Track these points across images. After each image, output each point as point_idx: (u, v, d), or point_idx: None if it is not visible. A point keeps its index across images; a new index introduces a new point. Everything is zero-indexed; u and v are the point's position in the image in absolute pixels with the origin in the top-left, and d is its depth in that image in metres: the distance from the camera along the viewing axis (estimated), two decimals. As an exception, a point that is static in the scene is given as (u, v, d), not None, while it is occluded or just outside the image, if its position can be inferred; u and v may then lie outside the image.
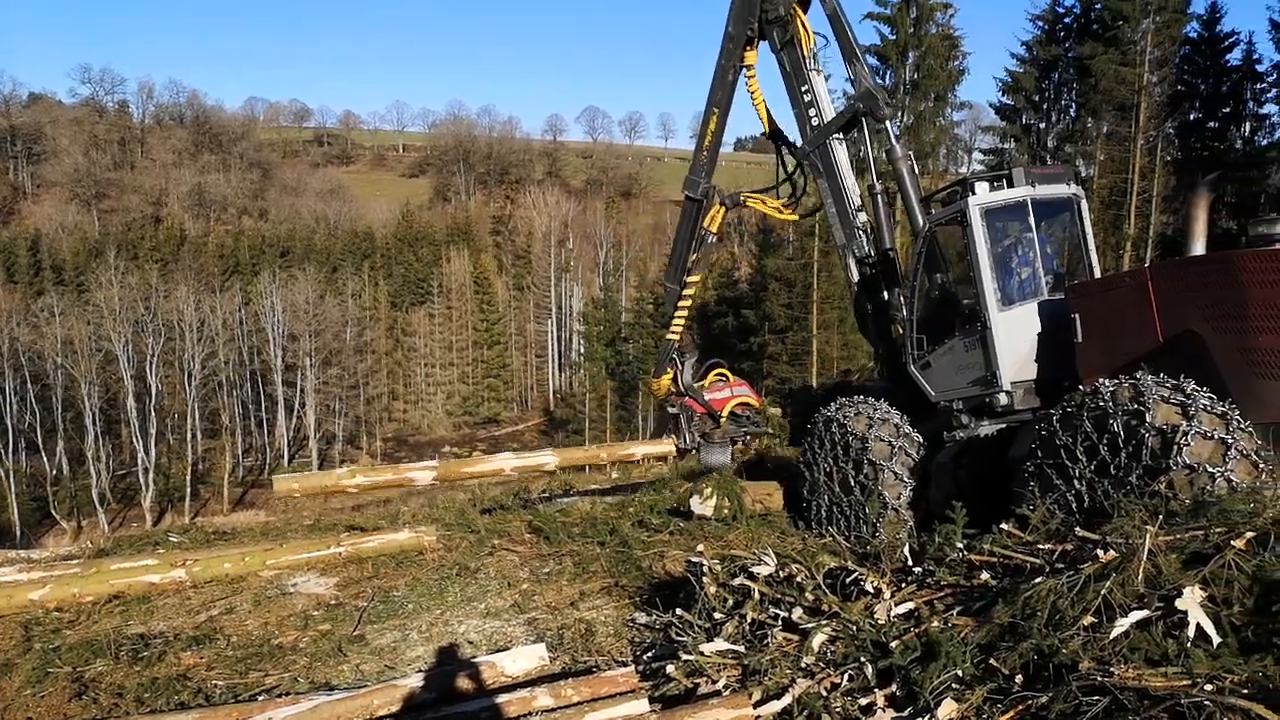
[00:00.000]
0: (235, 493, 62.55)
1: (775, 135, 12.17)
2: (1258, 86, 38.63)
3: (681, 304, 12.74)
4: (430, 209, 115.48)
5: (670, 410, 13.14)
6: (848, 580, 5.44)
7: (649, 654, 5.94)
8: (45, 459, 57.43)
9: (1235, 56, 38.08)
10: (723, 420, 12.43)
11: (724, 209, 12.50)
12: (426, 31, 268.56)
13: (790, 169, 12.08)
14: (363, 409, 75.12)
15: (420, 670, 5.99)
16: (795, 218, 12.89)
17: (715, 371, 13.17)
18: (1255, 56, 37.90)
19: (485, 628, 7.16)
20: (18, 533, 50.82)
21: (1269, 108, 38.83)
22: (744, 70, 11.68)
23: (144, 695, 5.92)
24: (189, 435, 61.40)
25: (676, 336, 12.83)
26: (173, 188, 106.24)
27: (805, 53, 10.98)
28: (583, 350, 75.17)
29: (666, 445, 12.67)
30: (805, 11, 11.00)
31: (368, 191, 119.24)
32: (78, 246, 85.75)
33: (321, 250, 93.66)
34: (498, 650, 6.33)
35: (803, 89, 11.10)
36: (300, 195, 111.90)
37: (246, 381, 70.43)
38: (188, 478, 59.77)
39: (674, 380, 12.85)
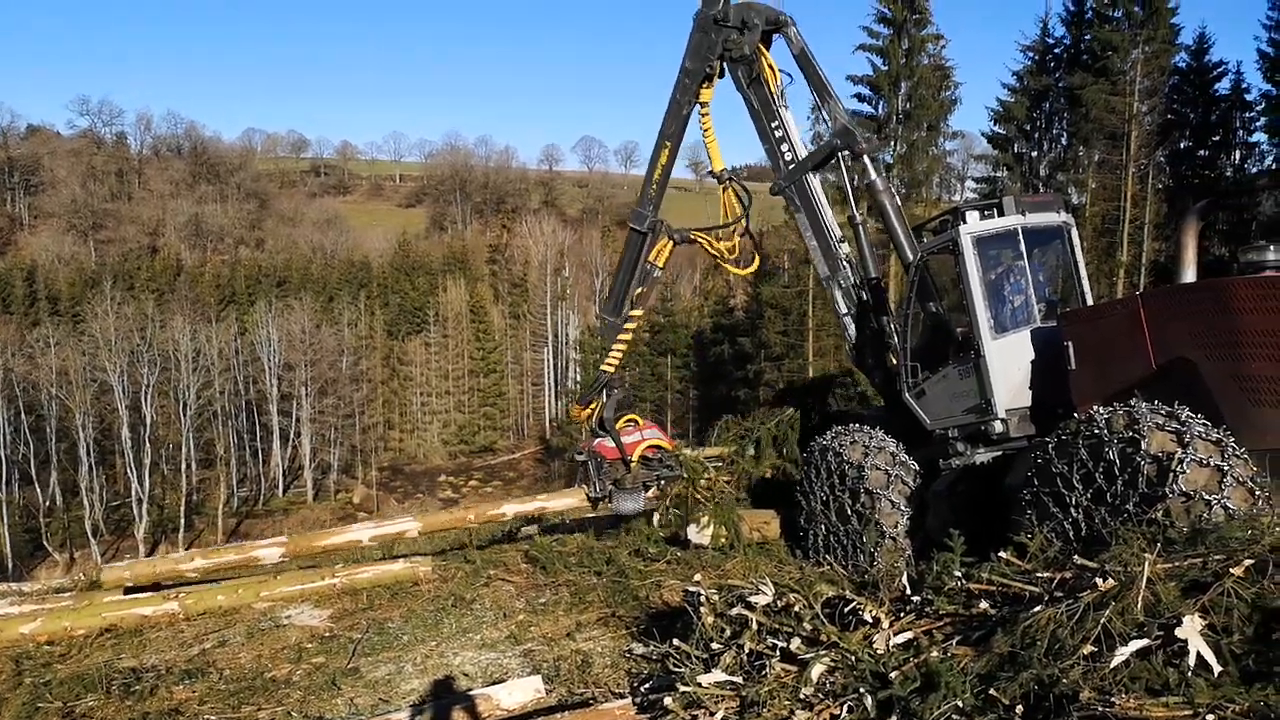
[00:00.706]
0: (230, 523, 62.15)
1: (721, 174, 11.91)
2: (1246, 115, 39.04)
3: (621, 338, 12.30)
4: (427, 238, 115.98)
5: (578, 459, 12.71)
6: (846, 610, 5.41)
7: (646, 685, 5.89)
8: (38, 490, 57.05)
9: (1224, 86, 38.52)
10: (633, 465, 12.16)
11: (671, 244, 12.16)
12: (423, 62, 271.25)
13: (741, 208, 11.73)
14: (358, 438, 74.88)
15: (415, 703, 5.94)
16: (745, 272, 12.63)
17: (626, 418, 12.74)
18: (1244, 86, 38.32)
19: (481, 659, 7.11)
20: (9, 565, 50.37)
21: (1258, 136, 39.21)
22: (699, 106, 11.63)
23: (135, 730, 5.86)
24: (183, 465, 61.14)
25: (611, 368, 12.38)
26: (169, 218, 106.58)
27: (773, 90, 10.92)
28: (579, 378, 75.13)
29: (535, 504, 12.24)
30: (768, 49, 10.95)
31: (364, 221, 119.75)
32: (74, 277, 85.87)
33: (318, 280, 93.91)
34: (493, 683, 6.28)
35: (773, 125, 11.02)
36: (297, 225, 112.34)
37: (242, 411, 70.20)
38: (182, 508, 59.40)
39: (595, 414, 12.44)
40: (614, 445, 11.97)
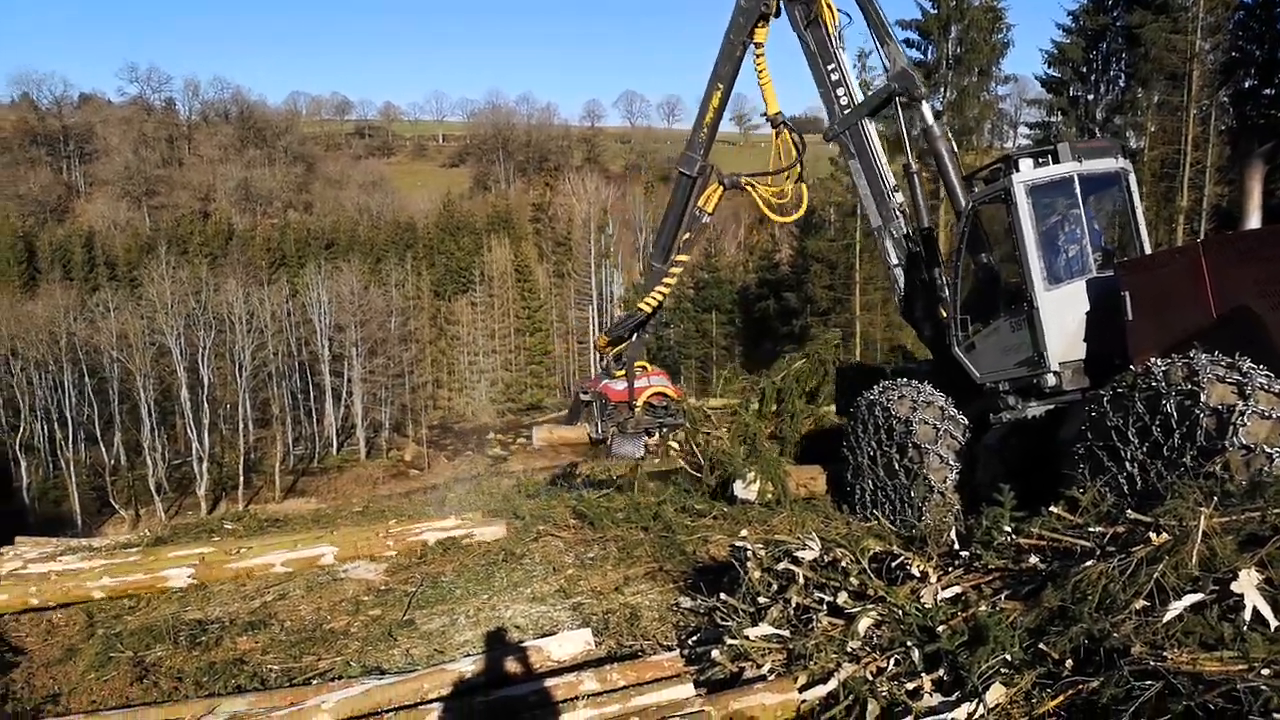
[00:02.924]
0: (286, 480, 63.83)
1: (777, 117, 11.80)
2: (1316, 51, 37.16)
3: (666, 280, 12.36)
4: (470, 198, 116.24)
5: (583, 398, 12.77)
6: (893, 564, 5.41)
7: (694, 638, 5.97)
8: (103, 450, 59.12)
9: (1294, 20, 36.69)
10: (637, 410, 12.03)
11: (721, 189, 12.15)
12: (464, 19, 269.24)
13: (796, 152, 11.66)
14: (408, 397, 76.08)
15: (469, 654, 6.08)
16: (788, 219, 12.53)
17: (636, 362, 12.81)
18: (1316, 20, 36.45)
19: (531, 612, 7.24)
20: (79, 521, 52.50)
21: (1328, 73, 37.39)
22: (753, 47, 11.40)
23: (202, 679, 6.10)
24: (241, 425, 62.75)
25: (649, 309, 12.41)
26: (220, 183, 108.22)
27: (830, 31, 10.71)
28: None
29: (453, 524, 9.64)
30: None
31: (409, 182, 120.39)
32: (129, 243, 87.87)
33: (365, 242, 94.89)
34: (544, 635, 6.40)
35: (829, 68, 10.82)
36: (343, 188, 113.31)
37: (295, 372, 71.68)
38: (240, 466, 61.13)
39: (620, 350, 12.37)
40: (622, 388, 12.05)
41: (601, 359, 12.71)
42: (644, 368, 13.01)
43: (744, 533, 7.82)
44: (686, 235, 12.44)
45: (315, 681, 5.95)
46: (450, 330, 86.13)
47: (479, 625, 6.97)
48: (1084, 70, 40.49)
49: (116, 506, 56.57)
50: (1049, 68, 40.56)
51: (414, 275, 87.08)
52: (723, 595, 6.02)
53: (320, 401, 71.91)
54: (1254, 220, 7.64)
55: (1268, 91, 37.84)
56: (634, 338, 12.53)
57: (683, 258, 12.49)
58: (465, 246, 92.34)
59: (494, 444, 71.32)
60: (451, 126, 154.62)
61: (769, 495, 10.31)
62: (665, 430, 12.33)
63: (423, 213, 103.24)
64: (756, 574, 5.97)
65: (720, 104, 12.04)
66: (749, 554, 6.27)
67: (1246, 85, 37.84)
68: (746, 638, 5.19)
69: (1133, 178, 9.14)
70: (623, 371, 12.47)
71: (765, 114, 11.98)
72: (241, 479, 60.72)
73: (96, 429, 59.53)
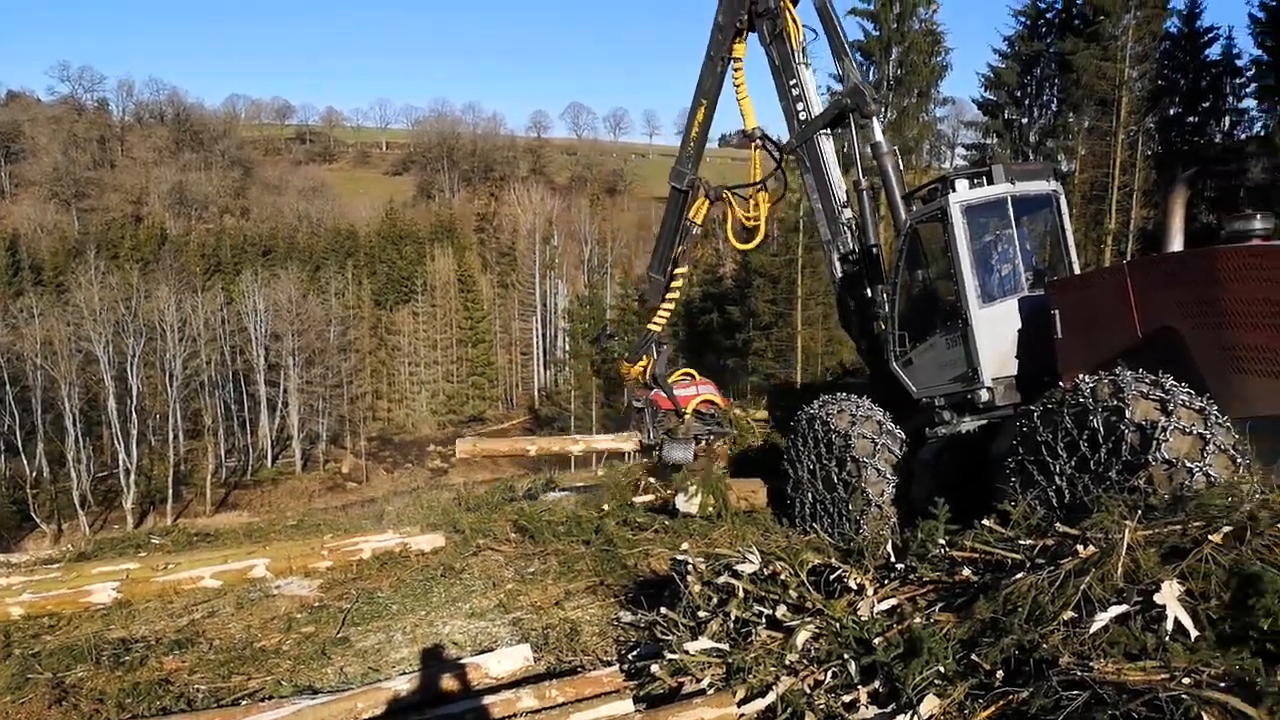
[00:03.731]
0: (218, 494, 62.16)
1: (754, 133, 12.03)
2: (1237, 81, 38.91)
3: (669, 295, 12.78)
4: (414, 207, 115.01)
5: (635, 405, 13.17)
6: (831, 577, 5.46)
7: (634, 653, 5.95)
8: (25, 461, 56.84)
9: (1215, 51, 38.37)
10: (687, 417, 12.42)
11: (708, 202, 12.49)
12: (410, 28, 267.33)
13: (772, 167, 12.05)
14: (346, 408, 74.72)
15: (404, 673, 5.98)
16: (745, 247, 12.97)
17: (682, 370, 13.35)
18: (1235, 51, 38.13)
19: (470, 628, 7.15)
20: (-2, 536, 50.35)
21: (1248, 102, 39.12)
22: (732, 62, 11.68)
23: (125, 701, 5.89)
24: (171, 436, 60.93)
25: (659, 327, 12.87)
26: (153, 186, 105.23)
27: (794, 46, 10.96)
28: (568, 347, 75.11)
29: (395, 539, 9.50)
30: (795, 5, 11.00)
31: (351, 189, 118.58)
32: (57, 246, 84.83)
33: (304, 249, 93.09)
34: (482, 651, 6.33)
35: (791, 83, 11.08)
36: (282, 193, 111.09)
37: (229, 382, 69.90)
38: (169, 479, 59.31)
39: (646, 370, 12.84)
40: (668, 397, 12.46)
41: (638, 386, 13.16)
42: (691, 376, 13.48)
43: (685, 546, 7.83)
44: (680, 248, 12.78)
45: (244, 702, 5.78)
46: (391, 340, 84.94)
47: (416, 642, 6.86)
48: (1018, 94, 41.78)
49: (38, 520, 54.36)
50: (985, 91, 41.75)
51: (354, 284, 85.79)
52: (663, 609, 6.01)
53: (255, 412, 70.20)
54: (1176, 243, 7.92)
55: (1191, 119, 39.51)
56: (655, 354, 12.92)
57: (681, 270, 12.85)
58: (408, 255, 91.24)
59: (434, 456, 70.39)
60: (395, 134, 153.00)
61: (710, 508, 10.35)
62: (712, 437, 12.79)
63: (364, 220, 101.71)
64: (697, 588, 5.97)
65: (705, 119, 12.35)
66: (689, 568, 6.27)
67: (1171, 113, 39.45)
68: (686, 652, 5.19)
69: (1063, 200, 9.43)
70: (672, 380, 13.01)
71: (742, 130, 12.27)
72: (170, 492, 58.91)
73: (18, 439, 57.14)
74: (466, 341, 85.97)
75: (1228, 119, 39.87)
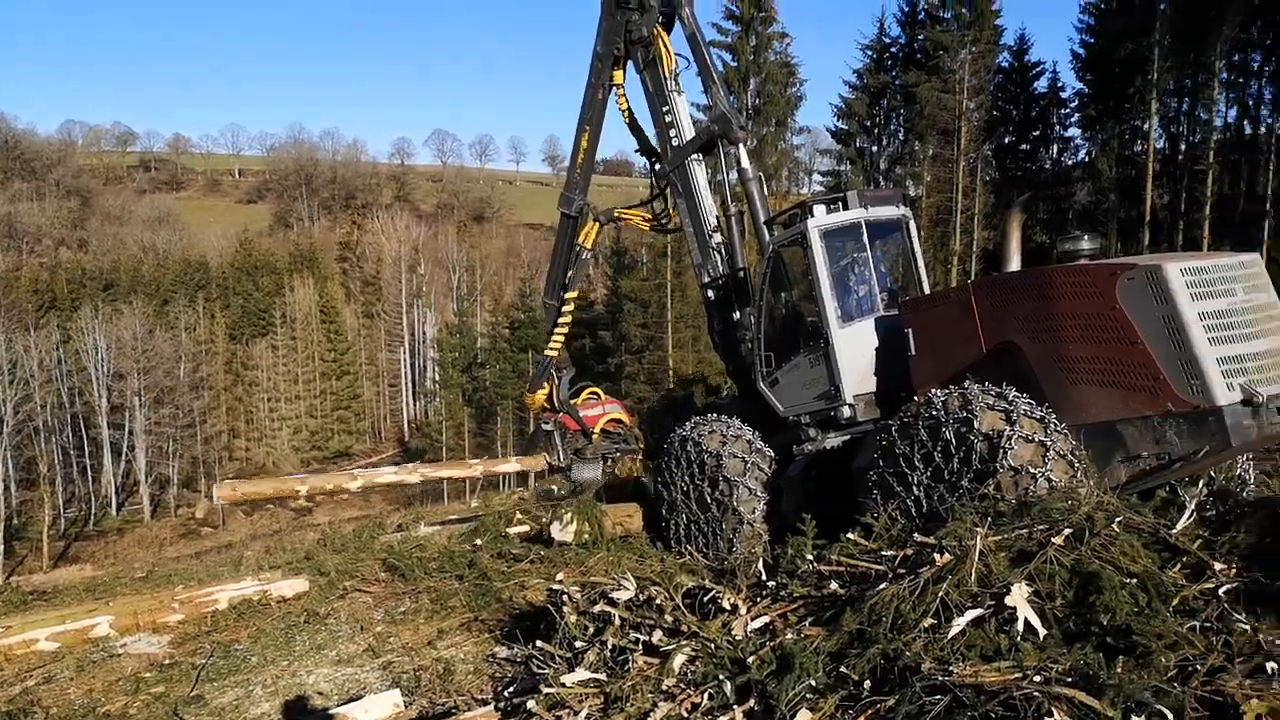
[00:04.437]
0: (56, 547, 57.27)
1: (649, 151, 12.35)
2: (1062, 112, 42.36)
3: (561, 320, 12.93)
4: (271, 235, 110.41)
5: (545, 428, 13.20)
6: (706, 599, 5.49)
7: (510, 689, 5.81)
8: None
9: (1042, 84, 41.69)
10: (595, 436, 12.57)
11: (598, 225, 12.71)
12: (261, 53, 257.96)
13: (661, 185, 12.31)
14: (200, 449, 70.47)
15: (265, 728, 5.63)
16: (674, 231, 13.37)
17: (588, 390, 13.47)
18: (1060, 84, 41.56)
19: (337, 676, 6.82)
20: None
21: (1073, 131, 42.66)
22: (613, 89, 11.84)
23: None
24: (1, 487, 55.92)
25: (555, 352, 13.05)
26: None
27: (666, 73, 11.21)
28: (438, 378, 73.61)
29: (249, 584, 9.06)
30: (669, 33, 11.25)
31: (201, 219, 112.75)
32: None
33: (150, 282, 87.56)
34: (349, 700, 6.03)
35: (664, 110, 11.32)
36: (125, 224, 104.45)
37: (67, 426, 64.73)
38: (0, 533, 54.35)
39: (549, 396, 12.90)
40: (575, 420, 12.64)
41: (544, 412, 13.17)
42: (597, 395, 13.56)
43: (560, 576, 7.73)
44: (571, 272, 12.87)
45: (83, 775, 5.30)
46: (248, 375, 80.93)
47: (277, 695, 6.48)
48: (868, 124, 44.02)
49: None
50: (838, 120, 43.81)
51: (207, 318, 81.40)
52: (539, 642, 5.90)
53: (97, 458, 65.27)
54: (1014, 263, 8.45)
55: (1024, 146, 42.65)
56: (558, 380, 13.02)
57: (571, 294, 12.95)
58: (265, 287, 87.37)
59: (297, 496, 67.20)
60: (249, 160, 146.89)
61: (586, 536, 10.27)
62: (619, 455, 13.03)
63: (217, 250, 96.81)
64: (573, 618, 5.89)
65: (590, 146, 12.51)
66: (565, 598, 6.19)
67: (1006, 141, 42.46)
68: (563, 684, 5.10)
69: (912, 224, 9.94)
70: (578, 400, 13.12)
71: (637, 150, 12.67)
72: (1, 547, 53.97)
73: None
74: (330, 374, 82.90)
75: (1055, 147, 43.28)
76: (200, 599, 8.63)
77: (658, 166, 12.12)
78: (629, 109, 12.07)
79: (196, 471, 69.90)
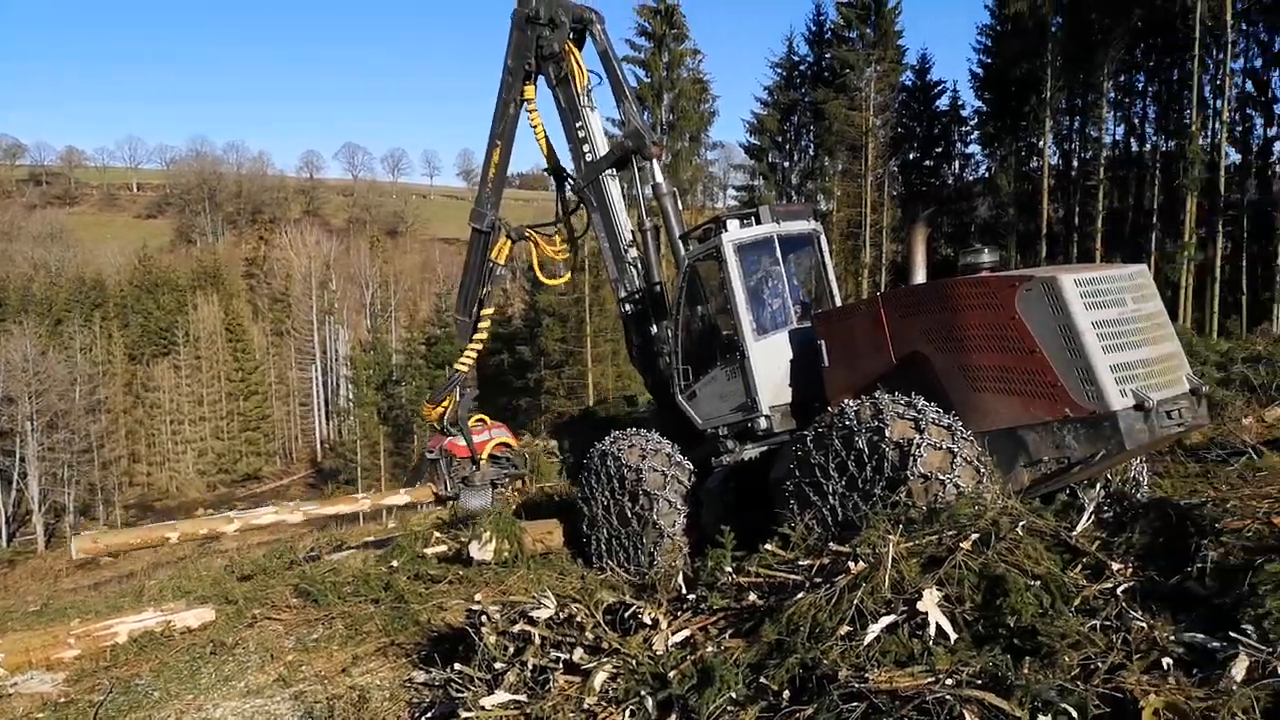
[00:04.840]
0: (-61, 583, 53.83)
1: (556, 170, 12.28)
2: (963, 129, 44.07)
3: (476, 336, 12.63)
4: (172, 251, 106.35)
5: (429, 456, 12.96)
6: (627, 614, 5.47)
7: (428, 715, 5.68)
8: None
9: (944, 103, 43.32)
10: (482, 463, 12.37)
11: (510, 242, 12.53)
12: (161, 63, 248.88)
13: (569, 206, 12.24)
14: (98, 475, 67.13)
15: (167, 768, 5.37)
16: (553, 283, 13.29)
17: (475, 417, 13.21)
18: (960, 103, 43.26)
19: (246, 709, 6.56)
20: None
21: (973, 147, 44.43)
22: (524, 104, 11.76)
23: None
24: (-126, 522, 52.31)
25: (465, 368, 12.77)
26: None
27: (579, 89, 11.17)
28: (351, 396, 71.86)
29: (151, 615, 8.90)
30: (580, 49, 11.22)
31: (97, 234, 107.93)
32: None
33: (42, 301, 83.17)
34: (259, 733, 5.80)
35: (576, 125, 11.28)
36: (14, 240, 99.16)
37: (-50, 454, 61.05)
38: (-127, 572, 50.72)
39: (448, 411, 12.66)
40: (465, 444, 12.32)
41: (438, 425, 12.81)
42: (483, 421, 13.21)
43: (479, 596, 7.60)
44: (485, 289, 12.63)
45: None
46: (149, 397, 77.54)
47: (181, 731, 6.19)
48: (780, 140, 44.98)
49: None
50: (751, 136, 44.64)
51: (104, 338, 77.71)
52: (457, 665, 5.77)
53: (-15, 487, 61.67)
54: (920, 275, 8.73)
55: (927, 162, 44.22)
56: (460, 397, 12.75)
57: (487, 311, 12.71)
58: (166, 305, 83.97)
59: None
60: (148, 174, 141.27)
61: (505, 554, 10.14)
62: (508, 479, 12.78)
63: (114, 268, 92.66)
64: (492, 639, 5.79)
65: (501, 160, 12.31)
66: (484, 618, 6.09)
67: (911, 157, 43.94)
68: (482, 708, 5.00)
69: (823, 238, 10.17)
70: (471, 422, 12.81)
71: (545, 169, 12.53)
72: (-124, 586, 50.39)
73: None
74: (237, 395, 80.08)
75: (957, 163, 45.00)
76: (98, 632, 8.22)
77: (567, 185, 12.09)
78: (540, 124, 12.02)
79: (94, 499, 66.56)
